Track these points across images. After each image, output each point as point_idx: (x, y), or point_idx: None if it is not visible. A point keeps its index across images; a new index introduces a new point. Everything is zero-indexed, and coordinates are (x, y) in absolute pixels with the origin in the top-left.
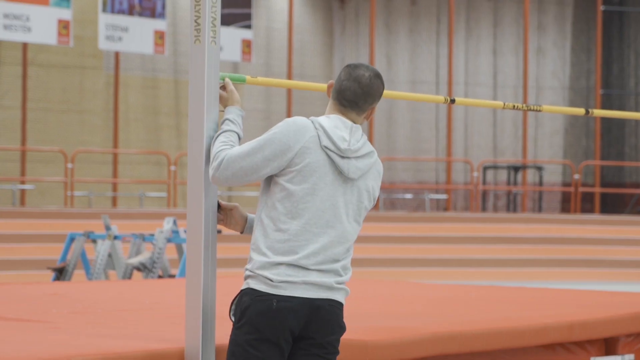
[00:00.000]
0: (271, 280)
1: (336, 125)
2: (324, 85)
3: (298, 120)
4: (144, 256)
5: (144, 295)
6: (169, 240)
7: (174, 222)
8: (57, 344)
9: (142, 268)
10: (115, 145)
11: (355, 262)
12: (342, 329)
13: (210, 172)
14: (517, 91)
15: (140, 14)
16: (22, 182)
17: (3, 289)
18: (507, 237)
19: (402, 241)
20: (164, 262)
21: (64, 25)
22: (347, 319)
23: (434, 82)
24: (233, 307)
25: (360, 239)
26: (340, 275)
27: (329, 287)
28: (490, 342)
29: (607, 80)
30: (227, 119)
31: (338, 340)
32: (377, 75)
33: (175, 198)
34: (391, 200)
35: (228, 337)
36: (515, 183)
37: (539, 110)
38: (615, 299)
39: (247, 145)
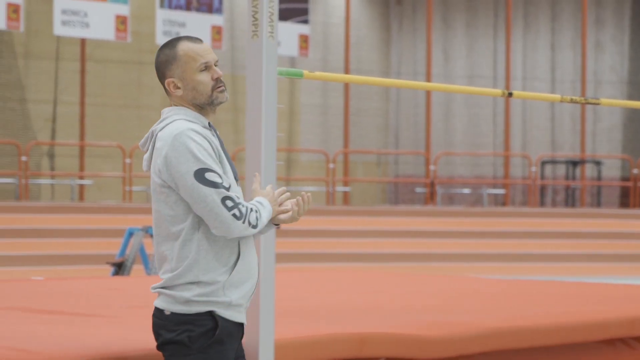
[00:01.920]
0: None
1: None
2: (382, 80)
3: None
4: None
5: None
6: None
7: None
8: (115, 338)
9: None
10: None
11: (413, 257)
12: (159, 337)
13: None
14: (575, 86)
15: (198, 10)
16: (81, 177)
17: (63, 284)
18: (565, 232)
19: (460, 236)
20: None
21: (121, 21)
22: (404, 313)
23: (491, 77)
24: None
25: (417, 234)
26: (160, 279)
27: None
28: (549, 337)
29: None
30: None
31: (162, 349)
32: (160, 47)
33: None
34: (449, 195)
35: (288, 334)
36: (573, 178)
37: (597, 104)
38: None
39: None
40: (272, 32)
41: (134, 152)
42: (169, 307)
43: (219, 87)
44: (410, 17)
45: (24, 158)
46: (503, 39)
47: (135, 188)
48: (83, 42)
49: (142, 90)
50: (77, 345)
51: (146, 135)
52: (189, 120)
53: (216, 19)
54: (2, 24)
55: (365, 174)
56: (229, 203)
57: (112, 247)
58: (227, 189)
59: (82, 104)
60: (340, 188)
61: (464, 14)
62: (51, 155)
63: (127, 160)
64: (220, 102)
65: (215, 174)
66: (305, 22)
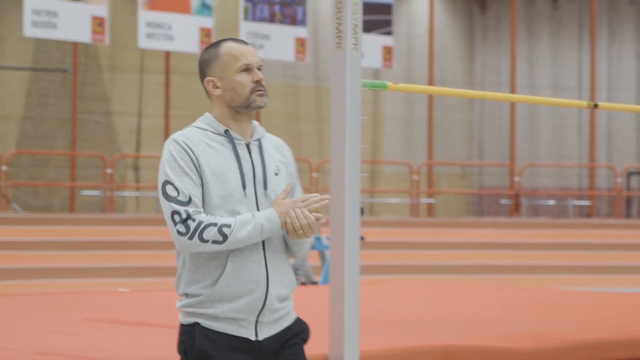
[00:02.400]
0: None
1: None
2: (466, 92)
3: None
4: None
5: None
6: (311, 248)
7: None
8: None
9: None
10: None
11: (498, 269)
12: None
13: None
14: None
15: (281, 22)
16: None
17: (148, 296)
18: None
19: (545, 248)
20: (307, 269)
21: (205, 34)
22: (489, 325)
23: (576, 88)
24: None
25: (502, 246)
26: None
27: None
28: (635, 350)
29: None
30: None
31: None
32: (205, 47)
33: None
34: (534, 206)
35: (372, 345)
36: None
37: None
38: None
39: None
40: (356, 44)
41: None
42: (182, 320)
43: (259, 90)
44: (495, 28)
45: (109, 170)
46: (588, 49)
47: None
48: (167, 54)
49: None
50: (162, 357)
51: None
52: (198, 127)
53: (300, 31)
54: (87, 37)
55: (449, 185)
56: (176, 218)
57: None
58: (184, 203)
59: (167, 116)
60: (424, 200)
61: (548, 24)
62: (136, 168)
63: None
64: (258, 106)
65: (173, 187)
66: (389, 33)
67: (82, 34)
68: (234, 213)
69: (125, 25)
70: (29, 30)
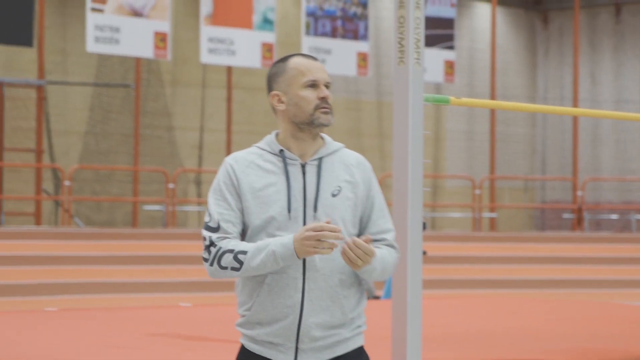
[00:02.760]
0: None
1: None
2: (528, 106)
3: None
4: None
5: None
6: None
7: None
8: None
9: None
10: None
11: (560, 284)
12: None
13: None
14: None
15: (343, 36)
16: None
17: (210, 310)
18: None
19: (608, 262)
20: (369, 284)
21: (267, 49)
22: (554, 339)
23: (639, 102)
24: None
25: (564, 260)
26: None
27: None
28: None
29: None
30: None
31: None
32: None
33: None
34: (597, 220)
35: (435, 359)
36: None
37: None
38: None
39: None
40: (418, 59)
41: None
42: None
43: (324, 108)
44: (557, 41)
45: (171, 185)
46: None
47: None
48: (229, 69)
49: None
50: None
51: None
52: (258, 147)
53: (362, 46)
54: (149, 53)
55: (511, 199)
56: (204, 243)
57: None
58: (212, 229)
59: (229, 131)
60: (486, 214)
61: (611, 38)
62: (198, 183)
63: None
64: (322, 124)
65: (208, 212)
66: (451, 47)
67: (145, 49)
68: (274, 237)
69: (188, 41)
70: (92, 46)
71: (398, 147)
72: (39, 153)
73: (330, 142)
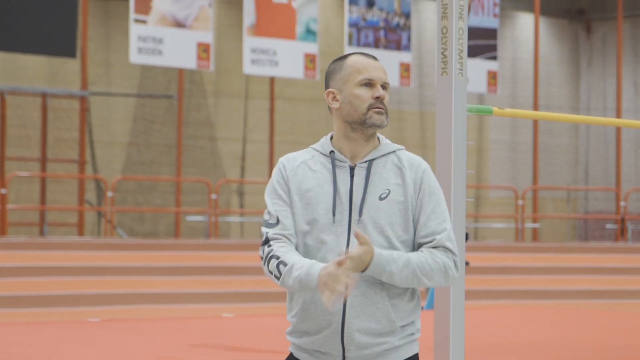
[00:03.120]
0: None
1: None
2: (572, 116)
3: None
4: None
5: None
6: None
7: None
8: None
9: None
10: None
11: (604, 295)
12: None
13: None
14: None
15: (386, 47)
16: None
17: (253, 321)
18: None
19: None
20: None
21: (310, 59)
22: (599, 350)
23: None
24: None
25: (608, 271)
26: None
27: None
28: None
29: None
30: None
31: None
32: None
33: None
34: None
35: None
36: None
37: None
38: None
39: None
40: (461, 69)
41: None
42: None
43: (378, 108)
44: (600, 51)
45: (213, 196)
46: None
47: None
48: (272, 80)
49: (331, 128)
50: None
51: None
52: (312, 148)
53: (404, 56)
54: (192, 64)
55: (554, 210)
56: (262, 240)
57: None
58: (271, 225)
59: (271, 142)
60: (529, 225)
61: None
62: (241, 193)
63: None
64: (374, 125)
65: (267, 210)
66: (494, 58)
67: (188, 60)
68: (319, 241)
69: (230, 51)
70: (135, 57)
71: (441, 158)
72: (82, 164)
73: (385, 144)
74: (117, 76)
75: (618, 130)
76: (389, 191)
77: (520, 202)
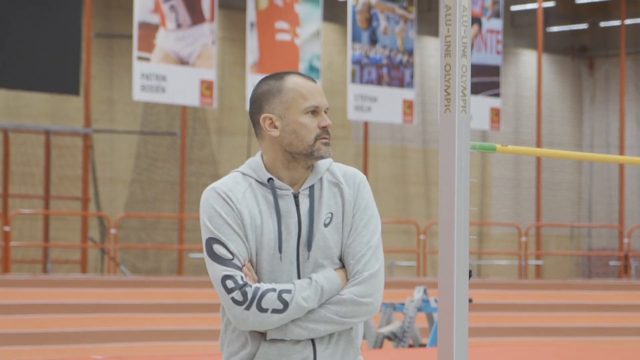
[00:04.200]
0: None
1: None
2: (575, 154)
3: None
4: (395, 325)
5: None
6: (419, 310)
7: (424, 291)
8: None
9: (393, 337)
10: None
11: (607, 332)
12: None
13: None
14: None
15: (389, 84)
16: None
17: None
18: None
19: None
20: (415, 331)
21: None
22: None
23: None
24: None
25: (611, 308)
26: None
27: None
28: None
29: None
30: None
31: None
32: (263, 78)
33: (424, 267)
34: None
35: None
36: None
37: None
38: None
39: None
40: (464, 107)
41: None
42: None
43: (324, 138)
44: (603, 88)
45: None
46: None
47: None
48: None
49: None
50: None
51: None
52: (243, 173)
53: (408, 93)
54: (195, 101)
55: (558, 247)
56: (229, 284)
57: None
58: (239, 267)
59: None
60: (532, 261)
61: None
62: None
63: None
64: (321, 157)
65: (223, 247)
66: (497, 95)
67: (191, 97)
68: (273, 280)
69: (234, 89)
70: (139, 95)
71: (444, 195)
72: (85, 201)
73: (317, 165)
74: (120, 113)
75: (621, 167)
76: (332, 214)
77: (523, 239)
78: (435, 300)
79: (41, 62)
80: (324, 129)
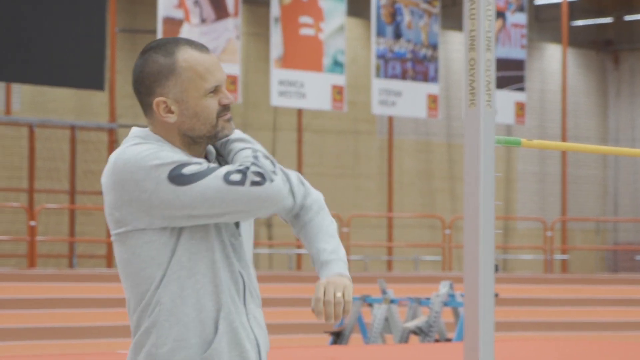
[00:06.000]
0: None
1: None
2: (600, 148)
3: None
4: (421, 320)
5: (420, 359)
6: (445, 304)
7: (450, 286)
8: None
9: (419, 332)
10: (390, 209)
11: (633, 326)
12: None
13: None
14: None
15: (413, 78)
16: (298, 247)
17: (281, 353)
18: None
19: None
20: (441, 326)
21: (338, 91)
22: None
23: None
24: None
25: (637, 302)
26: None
27: None
28: None
29: None
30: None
31: None
32: (142, 53)
33: (450, 261)
34: None
35: None
36: None
37: None
38: None
39: None
40: (489, 101)
41: (351, 221)
42: None
43: (225, 115)
44: (628, 82)
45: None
46: None
47: (352, 257)
48: (300, 112)
49: (358, 159)
50: None
51: None
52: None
53: (432, 88)
54: None
55: (583, 241)
56: (234, 177)
57: None
58: (218, 165)
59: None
60: (558, 256)
61: None
62: (269, 225)
63: (344, 229)
64: (225, 136)
65: (191, 164)
66: (522, 89)
67: None
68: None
69: (258, 84)
70: None
71: (469, 189)
72: None
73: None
74: None
75: None
76: None
77: (549, 233)
78: (461, 295)
79: (66, 58)
80: (225, 106)
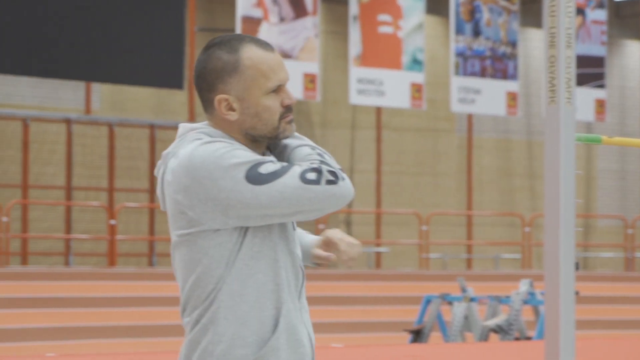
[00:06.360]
0: None
1: None
2: None
3: None
4: (501, 318)
5: (500, 357)
6: (525, 302)
7: (530, 284)
8: None
9: (499, 330)
10: (469, 207)
11: None
12: None
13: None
14: None
15: (493, 76)
16: (377, 245)
17: (362, 351)
18: None
19: None
20: (521, 324)
21: (417, 89)
22: None
23: None
24: None
25: None
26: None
27: None
28: None
29: None
30: None
31: None
32: (205, 48)
33: (530, 259)
34: None
35: None
36: None
37: None
38: None
39: None
40: (569, 98)
41: (430, 219)
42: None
43: (287, 116)
44: None
45: (321, 226)
46: None
47: (431, 255)
48: (379, 110)
49: (437, 157)
50: None
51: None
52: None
53: (511, 85)
54: (299, 94)
55: None
56: (309, 176)
57: (410, 315)
58: (292, 164)
59: (378, 172)
60: (638, 254)
61: None
62: (348, 223)
63: (424, 228)
64: (286, 137)
65: (267, 163)
66: (602, 86)
67: (294, 91)
68: (286, 243)
69: (337, 82)
70: None
71: (549, 187)
72: None
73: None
74: None
75: None
76: None
77: (629, 231)
78: (541, 293)
79: (146, 57)
80: (288, 107)
